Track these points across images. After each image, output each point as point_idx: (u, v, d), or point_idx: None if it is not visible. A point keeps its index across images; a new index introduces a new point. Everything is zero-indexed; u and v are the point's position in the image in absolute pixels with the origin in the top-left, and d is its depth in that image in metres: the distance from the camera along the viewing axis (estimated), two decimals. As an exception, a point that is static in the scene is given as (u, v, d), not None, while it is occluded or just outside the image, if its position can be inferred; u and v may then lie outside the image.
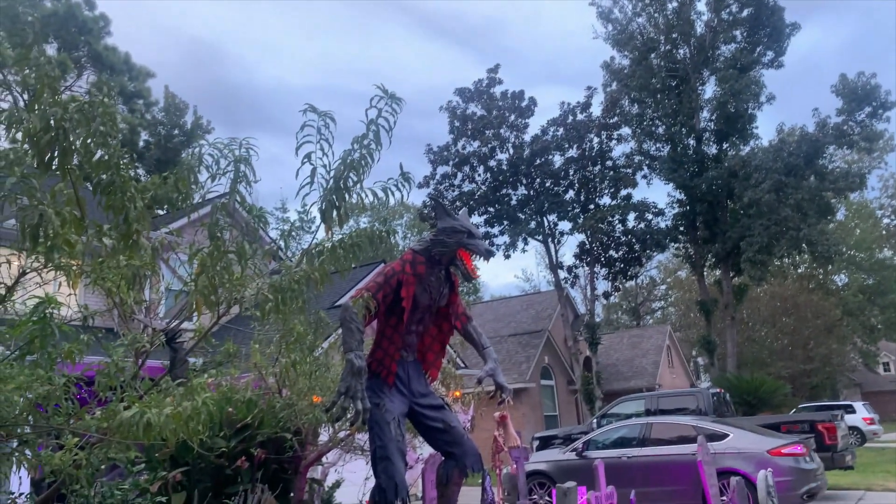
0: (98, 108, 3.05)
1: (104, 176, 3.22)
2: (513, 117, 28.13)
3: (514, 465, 9.79)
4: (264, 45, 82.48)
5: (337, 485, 10.27)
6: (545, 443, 17.01)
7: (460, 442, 5.23)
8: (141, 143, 38.59)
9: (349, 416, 4.55)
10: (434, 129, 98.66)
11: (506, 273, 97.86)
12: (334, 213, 3.80)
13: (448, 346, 5.89)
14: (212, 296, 3.06)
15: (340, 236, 4.06)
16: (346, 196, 3.82)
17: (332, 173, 3.76)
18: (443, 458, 5.35)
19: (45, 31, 36.97)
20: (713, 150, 31.57)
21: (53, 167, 3.09)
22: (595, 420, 17.04)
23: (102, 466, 6.27)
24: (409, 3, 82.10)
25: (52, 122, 2.97)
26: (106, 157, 3.22)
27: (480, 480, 6.04)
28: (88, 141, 3.12)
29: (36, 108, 3.00)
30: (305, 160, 3.67)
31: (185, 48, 70.40)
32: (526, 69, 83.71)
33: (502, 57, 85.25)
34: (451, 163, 27.89)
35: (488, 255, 5.13)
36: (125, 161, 3.26)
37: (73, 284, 3.58)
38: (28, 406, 2.95)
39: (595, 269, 29.27)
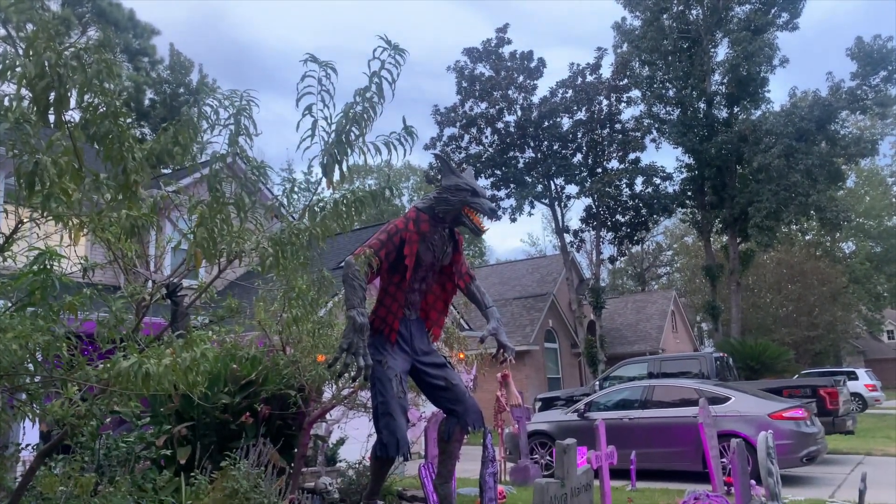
0: (93, 54, 2.99)
1: (102, 125, 3.18)
2: (521, 78, 27.73)
3: (517, 425, 9.89)
4: (271, 3, 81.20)
5: (341, 442, 10.40)
6: (548, 404, 17.16)
7: (462, 399, 5.26)
8: (146, 102, 38.37)
9: (351, 372, 4.56)
10: (443, 90, 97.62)
11: (512, 237, 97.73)
12: (336, 168, 3.74)
13: (452, 307, 5.88)
14: (211, 248, 3.03)
15: (343, 193, 4.01)
16: (349, 150, 3.76)
17: (333, 127, 3.69)
18: (445, 416, 5.38)
19: (48, -14, 36.46)
20: (724, 113, 31.12)
21: (51, 115, 3.05)
22: (598, 382, 17.17)
23: (108, 420, 6.36)
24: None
25: (47, 67, 2.91)
26: (103, 107, 3.17)
27: (482, 438, 6.08)
28: (84, 89, 3.07)
29: (31, 53, 2.93)
30: (306, 112, 3.61)
31: (192, 5, 69.44)
32: (537, 30, 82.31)
33: (513, 17, 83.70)
34: (458, 124, 27.62)
35: (492, 213, 5.08)
36: (123, 111, 3.20)
37: (73, 237, 3.55)
38: (28, 356, 2.95)
39: (601, 233, 29.17)
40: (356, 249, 4.80)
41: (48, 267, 3.54)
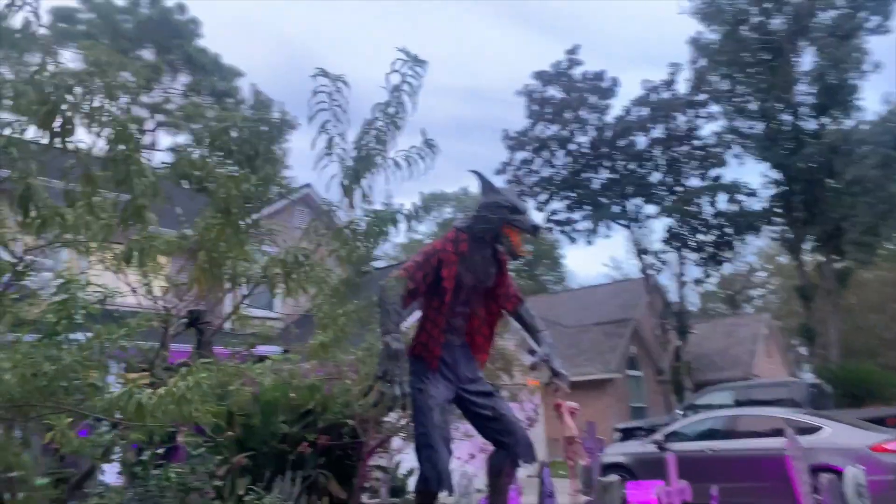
0: (95, 77, 2.94)
1: (113, 149, 3.13)
2: (593, 98, 27.26)
3: (588, 458, 9.38)
4: (349, 42, 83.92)
5: (411, 473, 10.16)
6: (628, 434, 16.38)
7: (512, 431, 4.92)
8: (231, 140, 40.04)
9: (387, 401, 4.34)
10: (512, 117, 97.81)
11: (595, 262, 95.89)
12: (358, 185, 3.58)
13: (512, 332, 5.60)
14: (213, 271, 2.91)
15: (371, 210, 3.83)
16: (369, 167, 3.59)
17: (351, 144, 3.53)
18: (494, 449, 5.07)
19: (142, 36, 38.86)
20: (811, 125, 29.45)
21: (58, 141, 3.02)
22: (680, 411, 16.26)
23: (161, 449, 6.35)
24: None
25: (50, 93, 2.88)
26: (114, 132, 3.12)
27: (538, 472, 5.72)
28: (93, 114, 3.03)
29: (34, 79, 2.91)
30: (322, 130, 3.45)
31: (273, 47, 72.60)
32: (607, 53, 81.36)
33: (586, 42, 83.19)
34: (529, 148, 27.34)
35: (535, 230, 4.76)
36: (130, 134, 3.14)
37: (115, 266, 3.50)
38: (30, 386, 2.87)
39: (684, 254, 28.03)
40: (392, 272, 4.61)
41: (72, 296, 3.49)
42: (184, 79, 40.24)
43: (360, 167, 3.47)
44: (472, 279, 4.93)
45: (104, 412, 2.57)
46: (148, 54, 38.91)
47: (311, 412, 7.81)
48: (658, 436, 10.97)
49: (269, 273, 3.01)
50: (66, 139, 2.97)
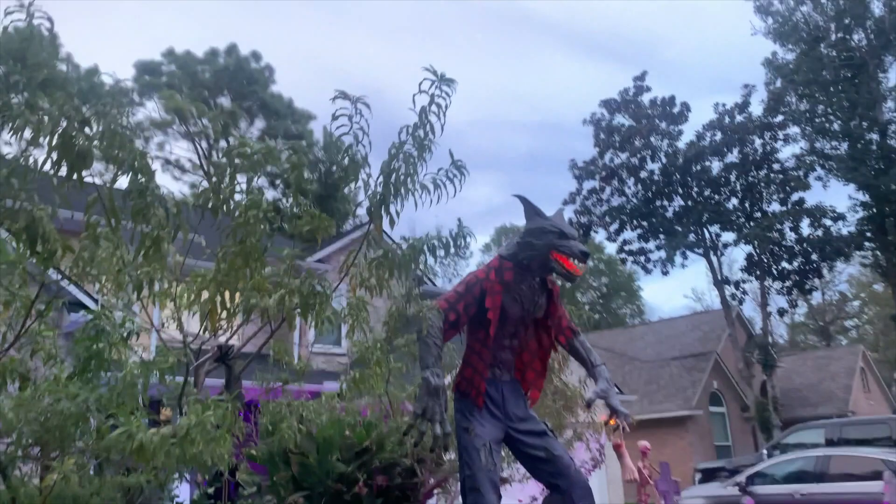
0: (107, 110, 2.89)
1: (132, 182, 3.07)
2: (664, 125, 26.57)
3: (663, 501, 8.79)
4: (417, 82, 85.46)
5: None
6: (709, 475, 15.39)
7: (566, 473, 4.57)
8: (307, 181, 41.22)
9: (426, 441, 4.09)
10: (577, 147, 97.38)
11: (677, 294, 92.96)
12: (386, 210, 3.41)
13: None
14: (226, 303, 2.77)
15: (403, 239, 3.64)
16: (398, 191, 3.41)
17: (374, 166, 3.37)
18: (547, 492, 4.71)
19: (220, 85, 40.74)
20: (901, 142, 27.77)
21: (74, 175, 2.98)
22: (766, 450, 15.18)
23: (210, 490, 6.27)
24: (565, 26, 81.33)
25: (61, 126, 2.85)
26: (130, 167, 3.07)
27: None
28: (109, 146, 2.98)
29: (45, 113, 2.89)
30: (345, 155, 3.30)
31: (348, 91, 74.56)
32: (680, 82, 79.90)
33: (661, 70, 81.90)
34: (597, 176, 26.81)
35: (584, 256, 4.45)
36: (145, 164, 3.08)
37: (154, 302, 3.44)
38: (51, 424, 2.77)
39: (766, 283, 26.63)
40: (433, 303, 4.38)
41: (101, 332, 3.43)
42: (259, 124, 41.82)
43: (386, 193, 3.28)
44: (519, 310, 4.65)
45: (104, 453, 2.43)
46: (225, 101, 40.73)
47: (367, 450, 7.62)
48: (740, 477, 10.21)
49: (287, 305, 2.85)
50: (82, 172, 2.91)
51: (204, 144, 39.59)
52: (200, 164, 40.99)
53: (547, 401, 7.43)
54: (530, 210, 4.65)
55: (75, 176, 2.90)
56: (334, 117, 3.17)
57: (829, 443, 13.50)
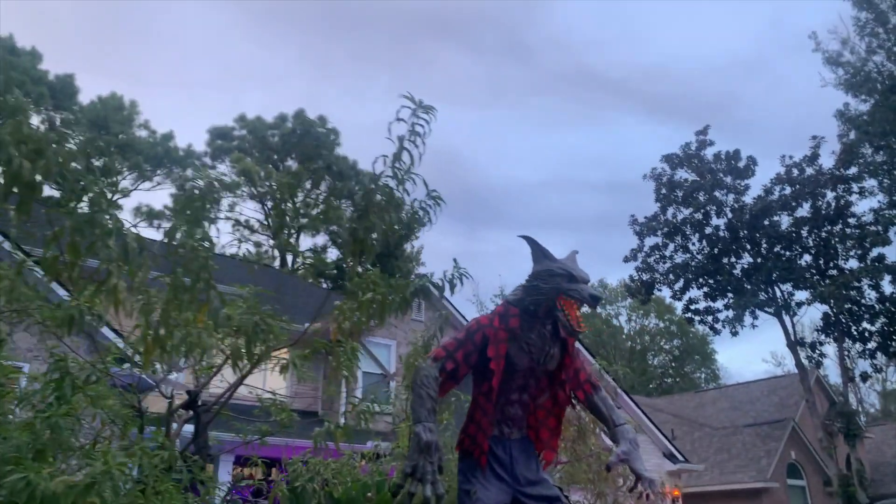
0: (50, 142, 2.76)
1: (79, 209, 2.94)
2: (729, 179, 25.70)
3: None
4: (496, 145, 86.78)
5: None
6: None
7: (581, 545, 4.07)
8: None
9: (416, 503, 3.69)
10: (634, 203, 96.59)
11: (755, 358, 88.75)
12: (359, 246, 3.15)
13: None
14: (167, 342, 2.52)
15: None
16: (374, 223, 3.15)
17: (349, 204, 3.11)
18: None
19: (288, 148, 42.14)
20: None
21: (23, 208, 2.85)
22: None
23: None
24: (636, 89, 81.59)
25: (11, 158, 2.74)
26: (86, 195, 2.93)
27: None
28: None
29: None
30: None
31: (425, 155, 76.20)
32: (751, 139, 78.30)
33: (730, 129, 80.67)
34: (659, 232, 25.97)
35: (594, 301, 4.02)
36: (106, 194, 2.93)
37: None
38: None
39: (846, 345, 24.88)
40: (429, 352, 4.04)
41: (68, 373, 3.29)
42: (324, 185, 42.86)
43: (359, 226, 3.02)
44: (528, 360, 4.23)
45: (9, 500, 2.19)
46: (293, 164, 42.07)
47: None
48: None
49: (233, 345, 2.59)
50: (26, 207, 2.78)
51: (270, 204, 40.82)
52: (267, 224, 42.23)
53: (583, 466, 6.86)
54: (538, 251, 4.28)
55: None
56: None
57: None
